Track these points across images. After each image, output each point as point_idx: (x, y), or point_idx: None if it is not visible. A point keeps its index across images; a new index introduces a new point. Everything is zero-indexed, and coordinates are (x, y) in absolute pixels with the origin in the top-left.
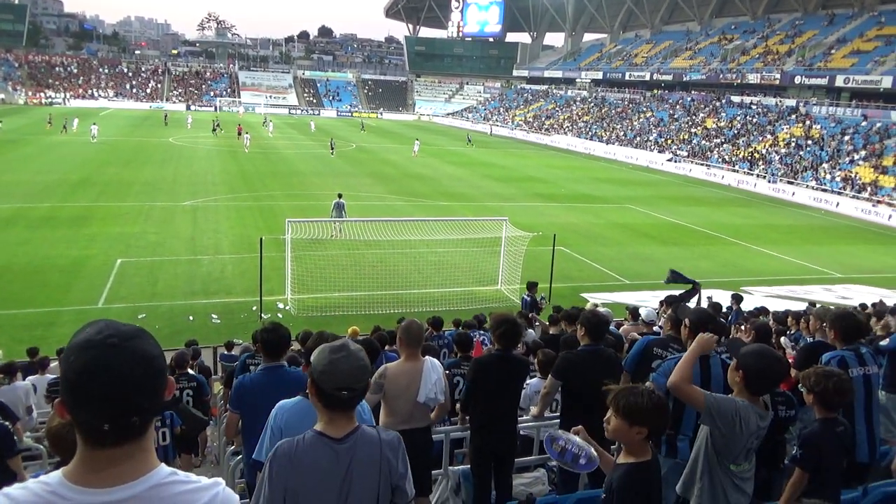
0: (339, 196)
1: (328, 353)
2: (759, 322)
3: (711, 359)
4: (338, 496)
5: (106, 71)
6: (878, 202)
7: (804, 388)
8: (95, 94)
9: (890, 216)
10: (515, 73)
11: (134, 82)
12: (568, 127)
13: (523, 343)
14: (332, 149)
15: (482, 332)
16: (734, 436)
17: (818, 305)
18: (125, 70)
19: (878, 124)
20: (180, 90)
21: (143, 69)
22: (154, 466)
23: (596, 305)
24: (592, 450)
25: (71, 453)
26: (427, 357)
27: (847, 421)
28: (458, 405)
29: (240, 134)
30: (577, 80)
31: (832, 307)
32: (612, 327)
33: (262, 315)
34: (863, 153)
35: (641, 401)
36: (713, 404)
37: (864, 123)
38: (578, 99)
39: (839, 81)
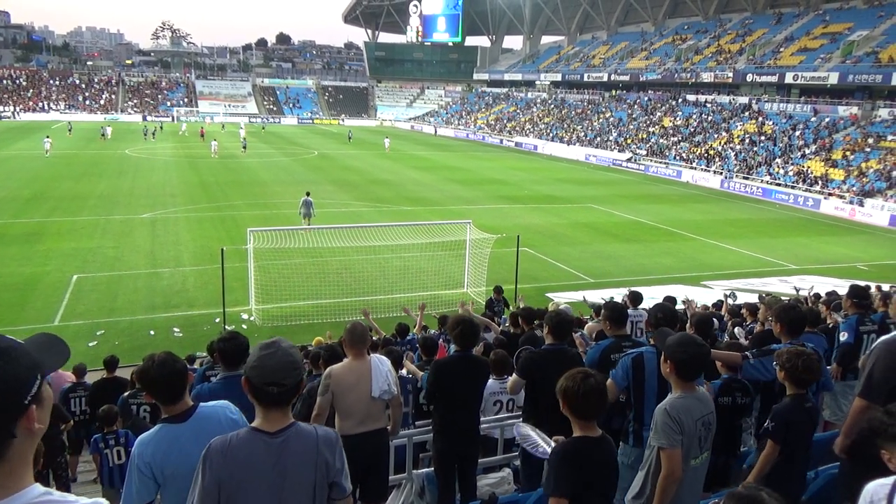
0: (307, 194)
1: (258, 350)
2: (699, 315)
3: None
4: (272, 489)
5: (57, 83)
6: (829, 194)
7: (777, 364)
8: (46, 106)
9: (850, 210)
10: (476, 76)
11: (87, 94)
12: (529, 129)
13: (483, 343)
14: (244, 148)
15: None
16: (685, 438)
17: (767, 295)
18: (77, 81)
19: (827, 119)
20: (135, 101)
21: (95, 80)
22: (24, 486)
23: (563, 306)
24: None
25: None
26: (373, 355)
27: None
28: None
29: (203, 136)
30: (537, 83)
31: (786, 298)
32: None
33: (226, 327)
34: (813, 147)
35: (573, 385)
36: (664, 440)
37: (813, 119)
38: (539, 101)
39: (788, 78)
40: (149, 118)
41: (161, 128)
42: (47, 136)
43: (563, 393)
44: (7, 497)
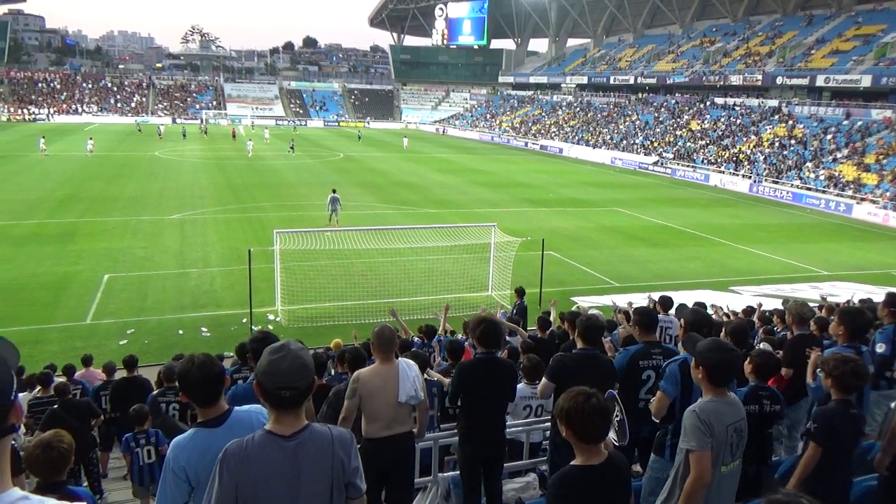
0: (334, 191)
1: (268, 354)
2: (735, 323)
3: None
4: (289, 491)
5: (89, 86)
6: (862, 199)
7: (822, 371)
8: (79, 109)
9: (884, 215)
10: (501, 79)
11: (118, 96)
12: (555, 132)
13: (507, 348)
14: (292, 149)
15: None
16: (715, 442)
17: (790, 301)
18: (109, 84)
19: (859, 123)
20: (165, 103)
21: (126, 83)
22: (2, 490)
23: (593, 311)
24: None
25: (46, 473)
26: (401, 359)
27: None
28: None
29: (234, 136)
30: (563, 86)
31: (814, 304)
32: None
33: (253, 327)
34: (845, 151)
35: (575, 406)
36: (693, 442)
37: (845, 122)
38: (564, 104)
39: (820, 81)
40: (178, 120)
41: (205, 130)
42: (90, 138)
43: (566, 415)
44: None
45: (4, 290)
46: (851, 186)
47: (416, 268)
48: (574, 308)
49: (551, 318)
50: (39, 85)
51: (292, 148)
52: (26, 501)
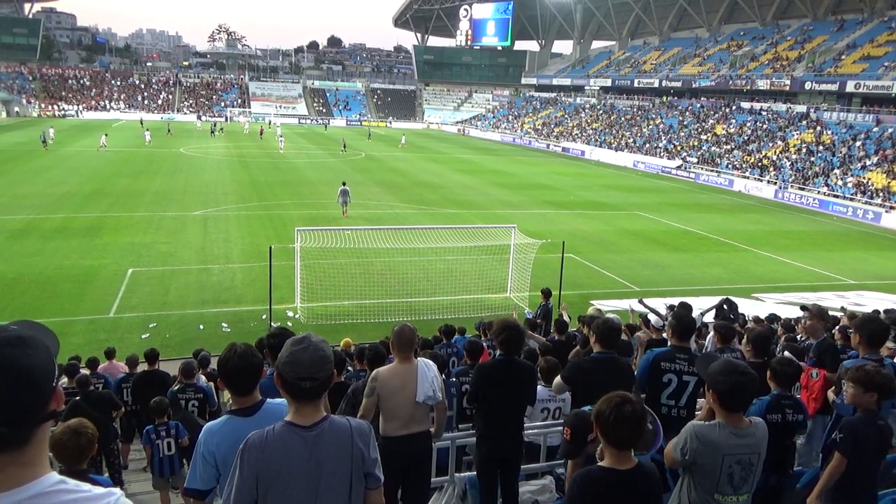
0: (344, 184)
1: (290, 345)
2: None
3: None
4: (309, 480)
5: (118, 83)
6: (891, 208)
7: (847, 382)
8: (108, 105)
9: None
10: (524, 80)
11: (146, 94)
12: (577, 134)
13: (525, 350)
14: (344, 148)
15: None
16: (702, 464)
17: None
18: (137, 82)
19: (890, 129)
20: (191, 101)
21: (154, 81)
22: (40, 475)
23: (600, 312)
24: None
25: (71, 460)
26: (420, 358)
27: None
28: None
29: (261, 134)
30: (586, 88)
31: (836, 314)
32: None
33: (272, 323)
34: (875, 159)
35: (605, 410)
36: (670, 445)
37: (875, 129)
38: (587, 106)
39: (850, 87)
40: (203, 118)
41: (221, 128)
42: (147, 129)
43: (596, 416)
44: (23, 485)
45: (32, 282)
46: (881, 194)
47: (435, 268)
48: (590, 311)
49: (565, 318)
50: (70, 82)
51: (344, 147)
52: (63, 485)
